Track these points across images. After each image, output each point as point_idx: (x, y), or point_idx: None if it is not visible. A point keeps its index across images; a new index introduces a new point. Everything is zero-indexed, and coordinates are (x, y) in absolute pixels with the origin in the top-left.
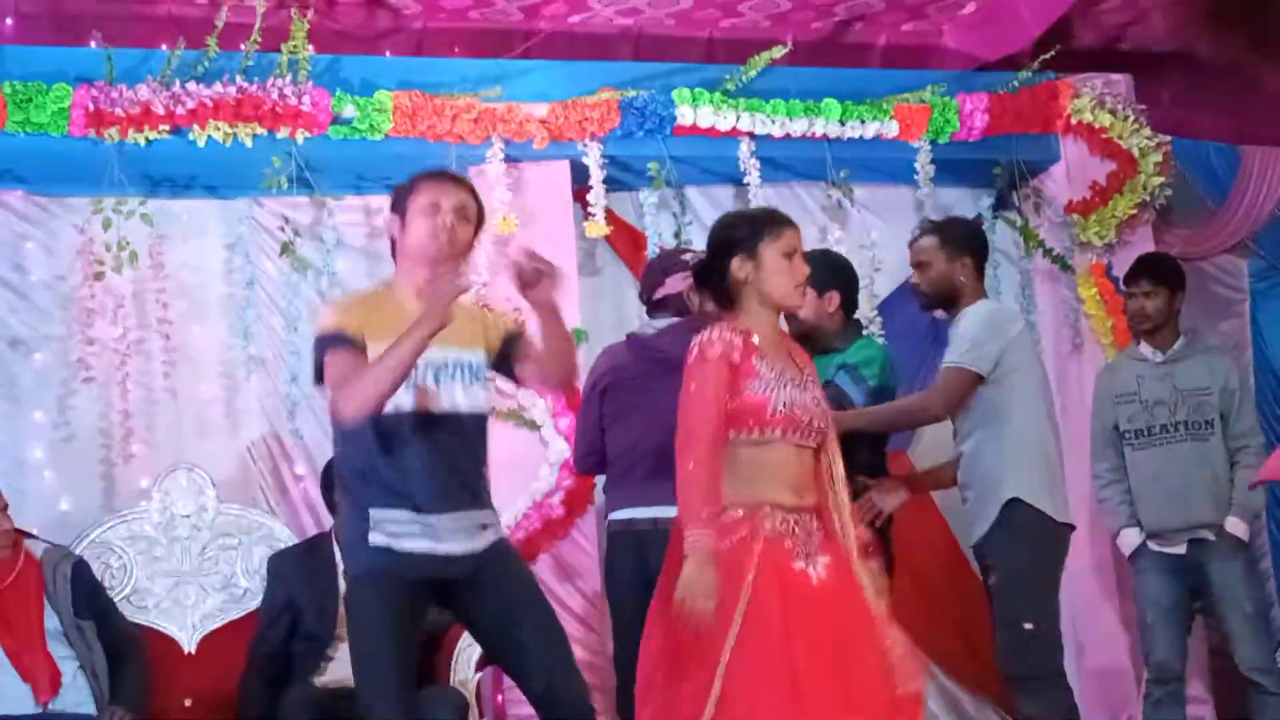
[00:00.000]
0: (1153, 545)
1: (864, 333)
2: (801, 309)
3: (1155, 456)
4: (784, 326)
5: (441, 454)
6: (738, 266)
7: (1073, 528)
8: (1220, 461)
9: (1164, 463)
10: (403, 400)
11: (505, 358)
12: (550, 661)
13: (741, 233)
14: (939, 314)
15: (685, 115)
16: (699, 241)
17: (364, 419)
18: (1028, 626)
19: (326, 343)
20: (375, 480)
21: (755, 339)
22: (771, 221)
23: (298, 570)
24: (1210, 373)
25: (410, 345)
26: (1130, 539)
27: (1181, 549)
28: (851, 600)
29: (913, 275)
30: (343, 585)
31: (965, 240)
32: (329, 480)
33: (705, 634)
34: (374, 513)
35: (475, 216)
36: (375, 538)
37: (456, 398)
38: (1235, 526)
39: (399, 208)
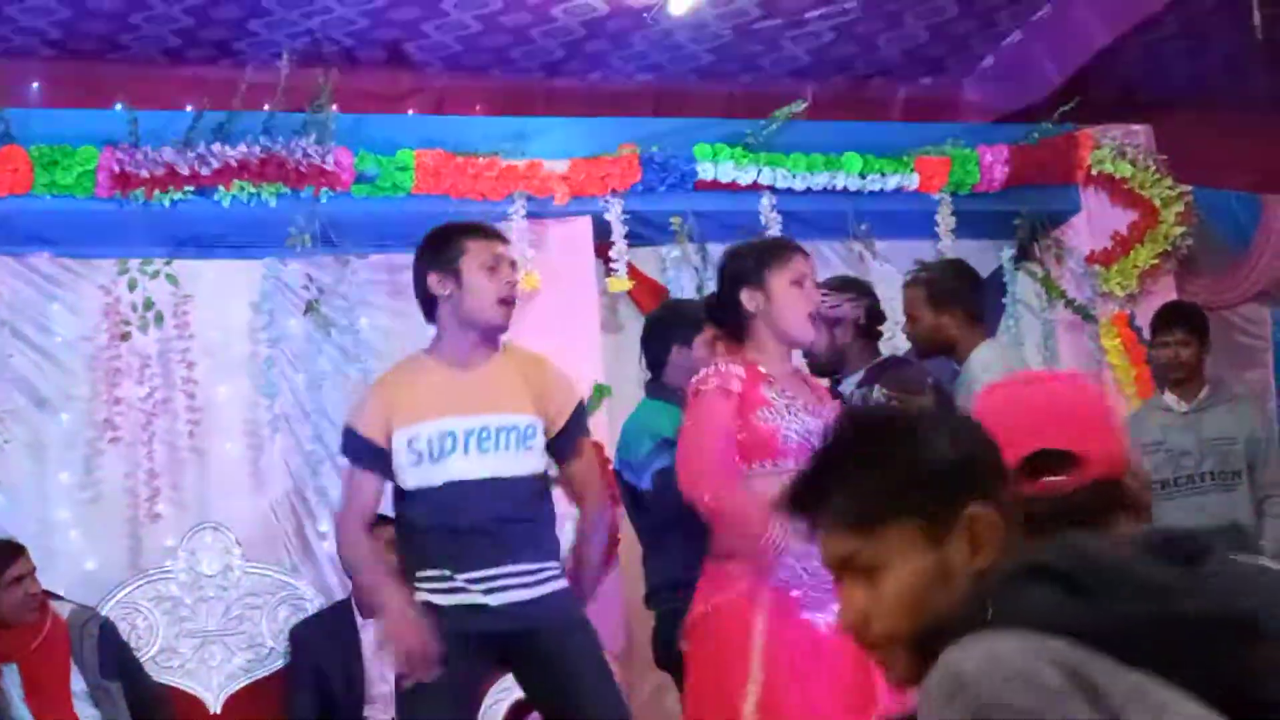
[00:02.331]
0: None
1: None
2: (814, 342)
3: (1181, 506)
4: None
5: (488, 518)
6: (747, 298)
7: None
8: (1247, 511)
9: (1190, 513)
10: (435, 474)
11: (552, 449)
12: None
13: (748, 263)
14: None
15: (706, 170)
16: None
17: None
18: None
19: (345, 442)
20: (418, 543)
21: (762, 368)
22: (778, 249)
23: (322, 638)
24: (1236, 422)
25: (370, 595)
26: None
27: None
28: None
29: (903, 324)
30: (367, 651)
31: (951, 294)
32: None
33: (722, 696)
34: (420, 573)
35: (518, 267)
36: (420, 596)
37: (500, 464)
38: None
39: (447, 266)
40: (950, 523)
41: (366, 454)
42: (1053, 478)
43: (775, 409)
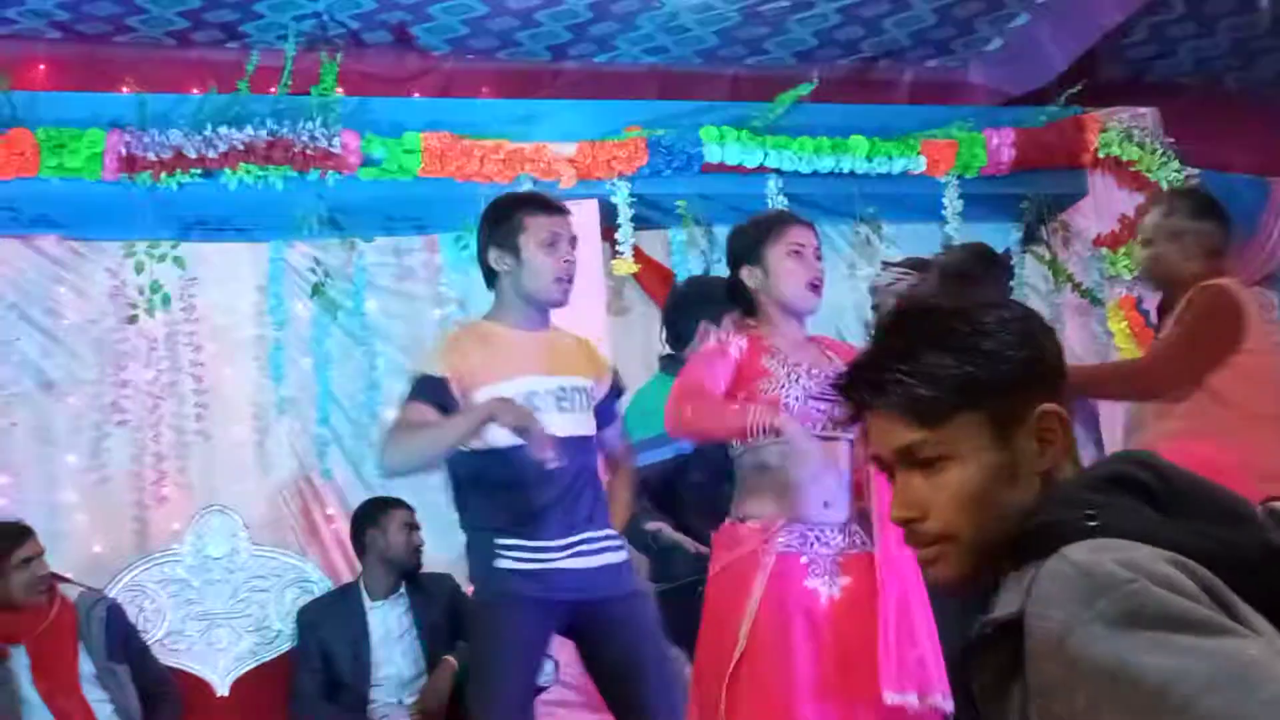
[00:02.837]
0: None
1: None
2: (815, 306)
3: None
4: None
5: (570, 475)
6: (748, 275)
7: None
8: None
9: None
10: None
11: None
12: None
13: (746, 240)
14: None
15: (713, 153)
16: None
17: (396, 476)
18: None
19: (417, 386)
20: (495, 506)
21: (767, 340)
22: (774, 222)
23: (328, 620)
24: None
25: (456, 433)
26: None
27: None
28: (864, 623)
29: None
30: (374, 635)
31: (961, 279)
32: (360, 526)
33: (717, 653)
34: (498, 540)
35: (577, 241)
36: (502, 563)
37: (575, 424)
38: None
39: (506, 241)
40: (1021, 419)
41: (439, 394)
42: None
43: (775, 378)
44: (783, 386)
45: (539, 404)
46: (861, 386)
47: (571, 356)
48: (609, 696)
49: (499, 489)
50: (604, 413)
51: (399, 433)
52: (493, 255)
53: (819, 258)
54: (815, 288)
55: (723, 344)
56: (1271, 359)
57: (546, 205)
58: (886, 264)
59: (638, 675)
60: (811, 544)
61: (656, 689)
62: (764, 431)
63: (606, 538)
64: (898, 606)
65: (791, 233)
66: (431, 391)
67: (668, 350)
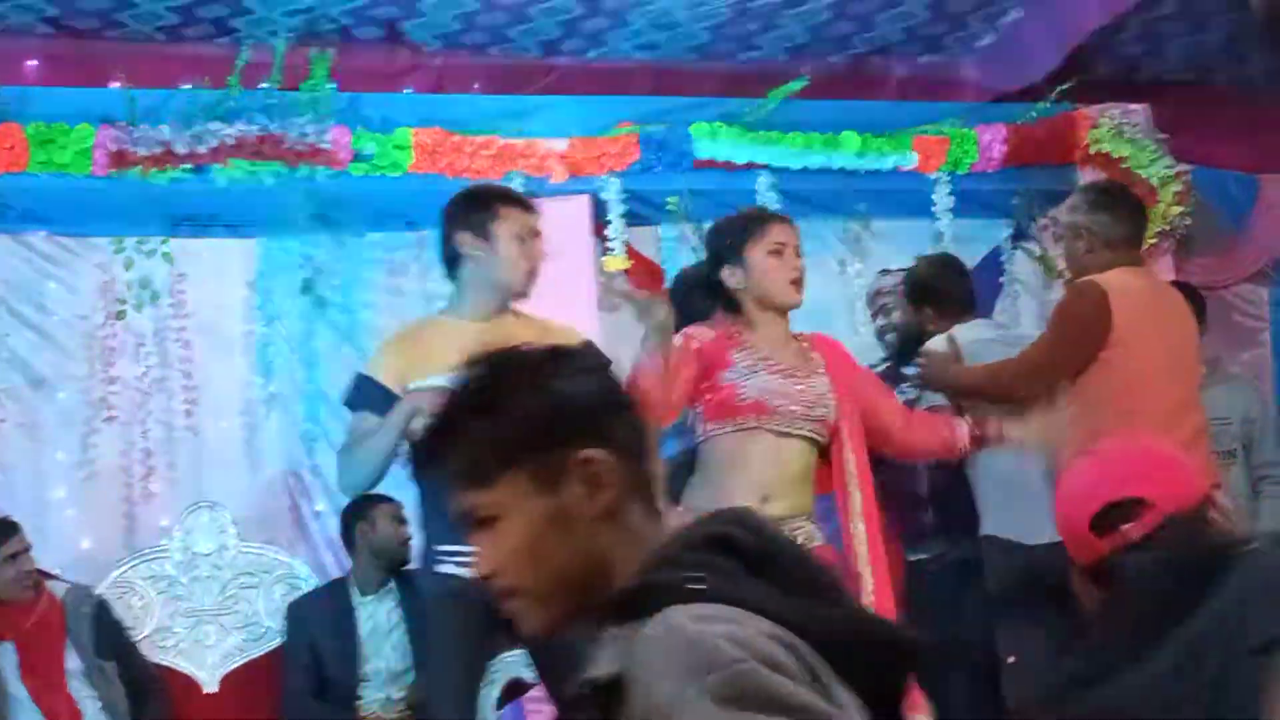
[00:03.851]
0: None
1: None
2: (798, 302)
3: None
4: None
5: None
6: (729, 275)
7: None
8: (1242, 491)
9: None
10: None
11: None
12: None
13: (726, 240)
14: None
15: (704, 149)
16: None
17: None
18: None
19: (360, 391)
20: (434, 511)
21: (739, 334)
22: (755, 221)
23: (317, 615)
24: (1231, 402)
25: (387, 437)
26: None
27: None
28: None
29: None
30: (362, 629)
31: (925, 290)
32: (349, 521)
33: None
34: (438, 547)
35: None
36: (442, 568)
37: None
38: None
39: (479, 229)
40: (563, 468)
41: (381, 400)
42: (1126, 525)
43: (736, 369)
44: (740, 376)
45: None
46: (427, 460)
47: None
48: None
49: (432, 492)
50: None
51: (346, 450)
52: (464, 239)
53: (799, 254)
54: (797, 284)
55: (687, 341)
56: (1145, 353)
57: (520, 200)
58: (885, 271)
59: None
60: None
61: None
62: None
63: None
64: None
65: (772, 231)
66: (368, 396)
67: None
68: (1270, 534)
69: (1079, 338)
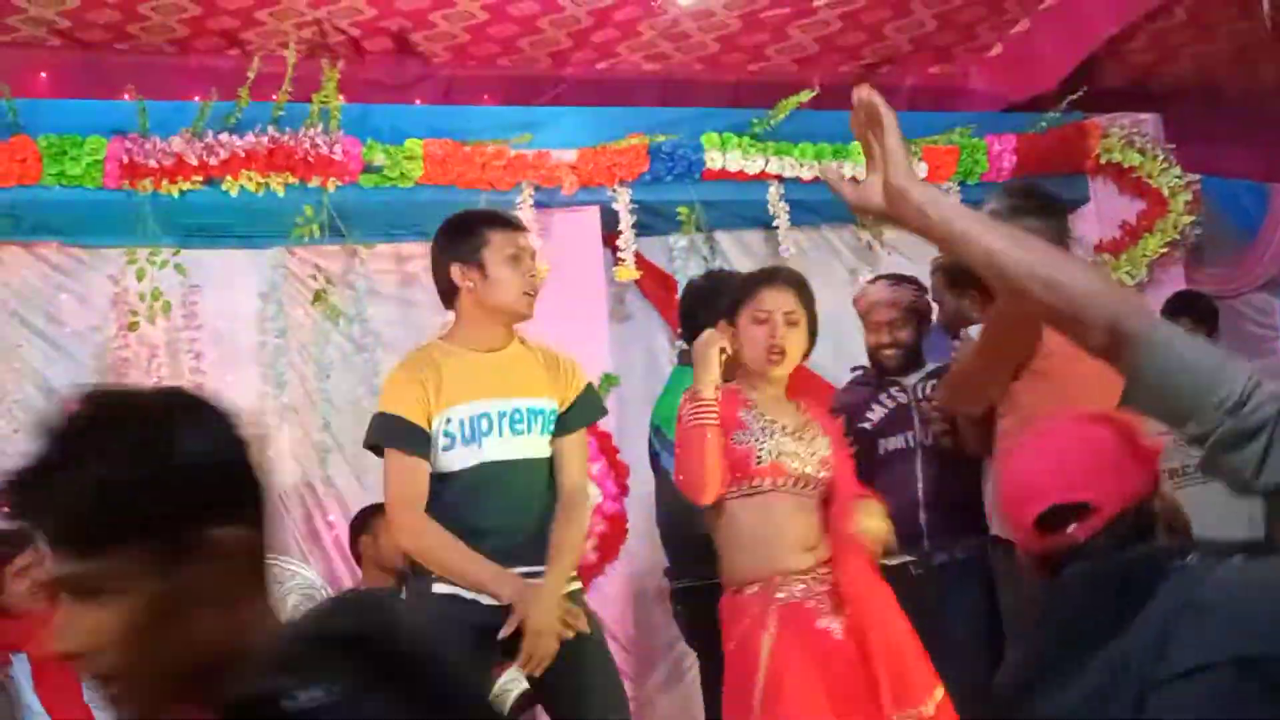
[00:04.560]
0: None
1: None
2: (776, 370)
3: (1190, 495)
4: None
5: (513, 505)
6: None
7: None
8: (1255, 499)
9: (1199, 500)
10: (469, 456)
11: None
12: None
13: (721, 302)
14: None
15: (714, 159)
16: None
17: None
18: None
19: (387, 430)
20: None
21: (744, 394)
22: (744, 287)
23: None
24: None
25: (469, 576)
26: None
27: None
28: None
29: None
30: None
31: (968, 275)
32: (354, 534)
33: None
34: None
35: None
36: (439, 587)
37: (528, 447)
38: None
39: (470, 258)
40: (189, 546)
41: (413, 439)
42: (1068, 529)
43: (750, 431)
44: (755, 440)
45: (485, 428)
46: (19, 510)
47: (532, 377)
48: (551, 711)
49: (439, 513)
50: (562, 422)
51: (412, 508)
52: (455, 271)
53: (791, 322)
54: (776, 355)
55: (697, 416)
56: (1079, 362)
57: (506, 221)
58: (884, 279)
59: (582, 705)
60: (812, 589)
61: (606, 710)
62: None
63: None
64: (879, 630)
65: (759, 297)
66: (412, 441)
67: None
68: (1210, 542)
69: (1007, 349)
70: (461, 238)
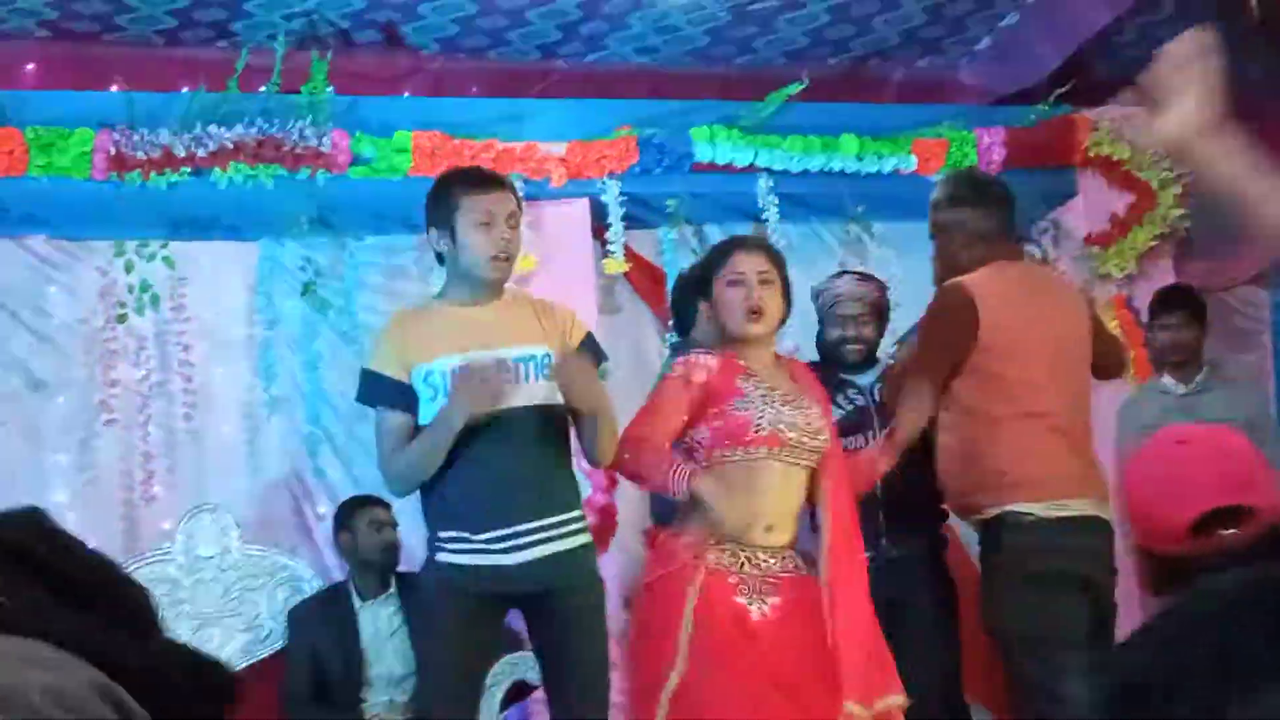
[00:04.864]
0: None
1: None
2: (756, 328)
3: None
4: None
5: (512, 459)
6: (705, 310)
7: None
8: None
9: None
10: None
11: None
12: (582, 712)
13: (698, 276)
14: None
15: (703, 152)
16: None
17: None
18: None
19: (372, 388)
20: (441, 501)
21: (741, 360)
22: (719, 253)
23: (318, 619)
24: (1232, 405)
25: (439, 438)
26: None
27: None
28: (795, 642)
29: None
30: (364, 633)
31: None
32: (335, 530)
33: (653, 670)
34: (441, 534)
35: (520, 215)
36: (442, 556)
37: (520, 395)
38: None
39: (444, 223)
40: None
41: (393, 393)
42: (1226, 531)
43: (749, 399)
44: (754, 408)
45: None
46: None
47: (520, 325)
48: (545, 686)
49: (433, 476)
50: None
51: (389, 455)
52: (432, 236)
53: (765, 281)
54: (755, 314)
55: (688, 370)
56: (1021, 356)
57: (483, 182)
58: (842, 272)
59: (567, 673)
60: (743, 564)
61: (583, 688)
62: (679, 492)
63: (563, 522)
64: (846, 618)
65: (732, 261)
66: (380, 391)
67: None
68: None
69: (944, 344)
70: (439, 202)
